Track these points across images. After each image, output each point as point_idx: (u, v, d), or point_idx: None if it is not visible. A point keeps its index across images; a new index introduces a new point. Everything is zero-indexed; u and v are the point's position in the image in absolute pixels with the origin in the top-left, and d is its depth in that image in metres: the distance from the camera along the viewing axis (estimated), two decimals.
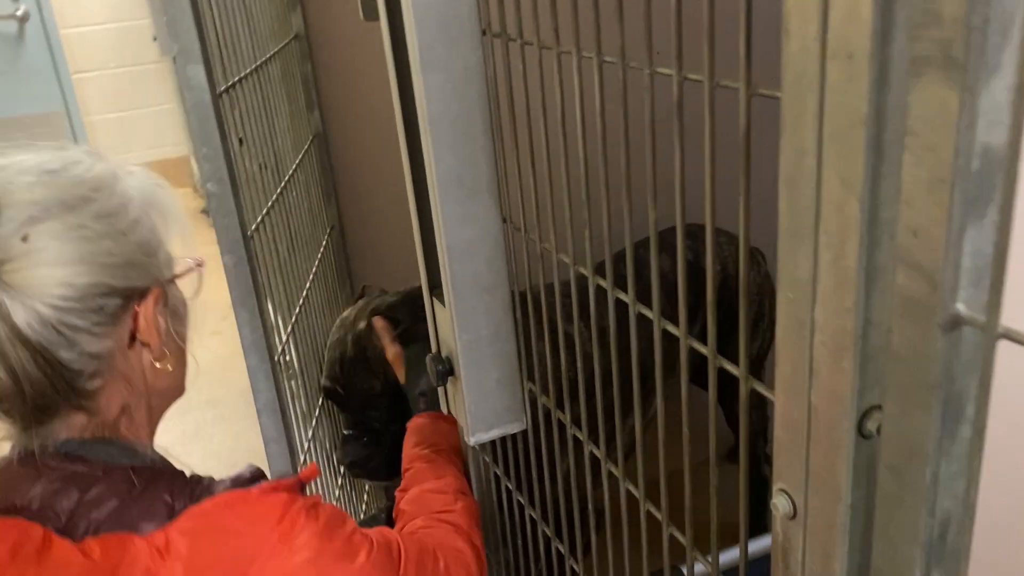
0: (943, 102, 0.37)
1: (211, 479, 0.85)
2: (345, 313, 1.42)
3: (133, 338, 0.83)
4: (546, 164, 0.78)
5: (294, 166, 1.48)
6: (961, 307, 0.40)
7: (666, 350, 0.65)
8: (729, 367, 0.58)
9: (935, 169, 0.38)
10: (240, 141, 1.33)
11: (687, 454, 0.67)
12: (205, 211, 5.05)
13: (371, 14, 0.96)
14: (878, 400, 0.46)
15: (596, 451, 0.83)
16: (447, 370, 0.95)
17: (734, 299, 1.72)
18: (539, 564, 1.08)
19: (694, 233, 1.67)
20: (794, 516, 0.52)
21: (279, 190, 1.34)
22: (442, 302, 0.93)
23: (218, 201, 1.04)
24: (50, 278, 0.76)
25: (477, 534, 1.03)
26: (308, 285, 1.51)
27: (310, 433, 1.38)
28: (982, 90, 0.36)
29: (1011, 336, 0.38)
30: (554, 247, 0.81)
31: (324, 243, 1.70)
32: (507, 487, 1.08)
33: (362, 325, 1.36)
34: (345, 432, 1.40)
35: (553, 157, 0.77)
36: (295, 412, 1.30)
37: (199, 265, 0.93)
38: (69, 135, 5.15)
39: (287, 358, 1.33)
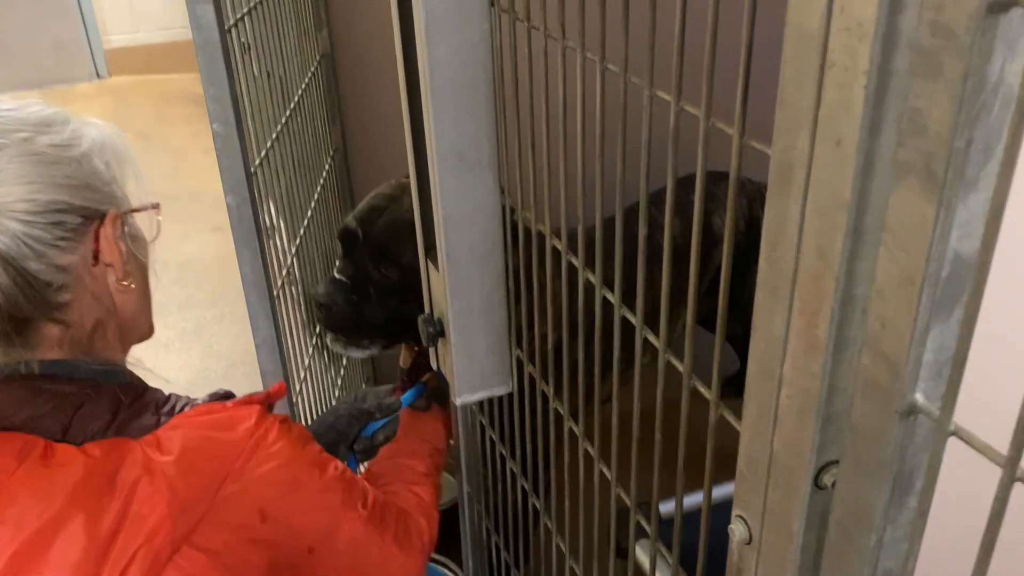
0: (920, 211, 0.37)
1: (188, 397, 0.94)
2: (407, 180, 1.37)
3: (96, 258, 0.90)
4: (545, 148, 0.78)
5: (300, 92, 1.47)
6: (919, 397, 0.41)
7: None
8: (702, 390, 0.60)
9: (907, 269, 0.39)
10: (246, 47, 1.32)
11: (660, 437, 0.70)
12: None
13: None
14: (836, 456, 0.48)
15: (561, 408, 0.88)
16: (438, 332, 0.97)
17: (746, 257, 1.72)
18: (516, 512, 1.12)
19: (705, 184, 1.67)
20: (749, 542, 0.55)
21: (284, 120, 1.34)
22: (436, 267, 0.94)
23: (223, 142, 1.04)
24: (12, 195, 0.83)
25: (435, 513, 1.11)
26: (312, 206, 1.52)
27: (307, 362, 1.41)
28: (959, 204, 0.37)
29: (960, 435, 0.39)
30: (548, 230, 0.82)
31: (328, 166, 1.69)
32: (491, 438, 1.12)
33: None
34: (336, 275, 1.35)
35: (553, 140, 0.77)
36: (295, 345, 1.33)
37: (155, 207, 0.99)
38: (76, 10, 5.05)
39: (290, 283, 1.34)
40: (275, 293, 1.20)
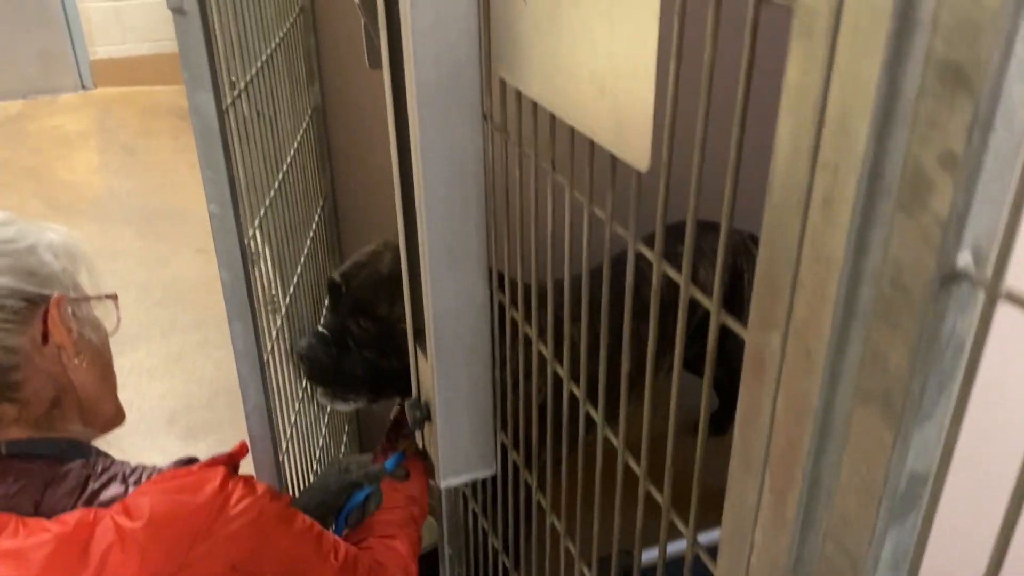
0: (879, 434, 0.41)
1: (154, 466, 0.98)
2: (393, 238, 1.41)
3: (46, 338, 0.95)
4: (533, 255, 0.82)
5: (292, 151, 1.49)
6: None
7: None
8: (679, 525, 0.63)
9: (867, 481, 0.42)
10: (232, 84, 1.34)
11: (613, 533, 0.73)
12: None
13: (375, 62, 0.97)
14: None
15: (543, 501, 0.92)
16: (424, 416, 1.00)
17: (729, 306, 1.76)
18: None
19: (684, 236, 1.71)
20: None
21: (276, 184, 1.36)
22: (424, 353, 0.97)
23: (219, 222, 1.07)
24: None
25: (413, 566, 1.16)
26: (302, 261, 1.54)
27: (293, 418, 1.43)
28: (915, 432, 0.40)
29: None
30: (535, 333, 0.85)
31: (317, 216, 1.72)
32: (474, 511, 1.15)
33: None
34: (319, 328, 1.39)
35: (541, 246, 0.80)
36: (281, 409, 1.35)
37: (110, 297, 1.03)
38: (62, 20, 5.04)
39: (279, 346, 1.37)
40: (265, 359, 1.23)
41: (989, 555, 0.38)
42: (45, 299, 0.94)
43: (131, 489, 0.92)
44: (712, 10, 0.48)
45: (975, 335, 0.36)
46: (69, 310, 0.97)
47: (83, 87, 5.09)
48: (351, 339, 1.36)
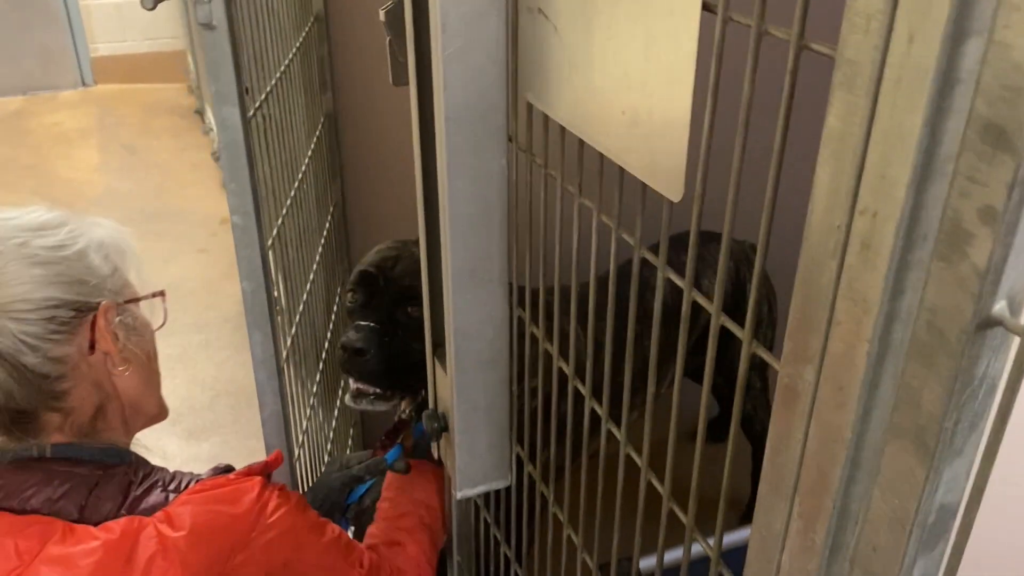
0: (911, 469, 0.43)
1: (192, 473, 1.01)
2: (406, 239, 1.39)
3: (92, 347, 0.96)
4: (557, 273, 0.83)
5: (307, 160, 1.51)
6: None
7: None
8: (711, 548, 0.65)
9: (898, 512, 0.44)
10: (246, 90, 1.36)
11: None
12: (199, 112, 5.01)
13: (400, 79, 0.99)
14: None
15: (560, 514, 0.93)
16: (442, 427, 1.02)
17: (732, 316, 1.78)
18: None
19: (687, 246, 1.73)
20: None
21: (292, 192, 1.38)
22: (443, 367, 0.99)
23: (242, 233, 1.09)
24: (7, 296, 0.90)
25: (428, 569, 1.18)
26: (315, 268, 1.56)
27: (304, 425, 1.45)
28: (946, 468, 0.42)
29: None
30: (556, 351, 0.87)
31: (328, 224, 1.74)
32: (486, 519, 1.17)
33: None
34: (362, 322, 1.34)
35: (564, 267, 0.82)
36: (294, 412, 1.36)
37: (156, 295, 1.05)
38: (63, 17, 5.04)
39: (293, 352, 1.38)
40: (281, 367, 1.24)
41: None
42: (93, 307, 0.96)
43: (171, 497, 0.95)
44: (751, 56, 0.50)
45: (1008, 380, 0.38)
46: (116, 318, 0.98)
47: (84, 84, 5.09)
48: (399, 329, 1.33)
